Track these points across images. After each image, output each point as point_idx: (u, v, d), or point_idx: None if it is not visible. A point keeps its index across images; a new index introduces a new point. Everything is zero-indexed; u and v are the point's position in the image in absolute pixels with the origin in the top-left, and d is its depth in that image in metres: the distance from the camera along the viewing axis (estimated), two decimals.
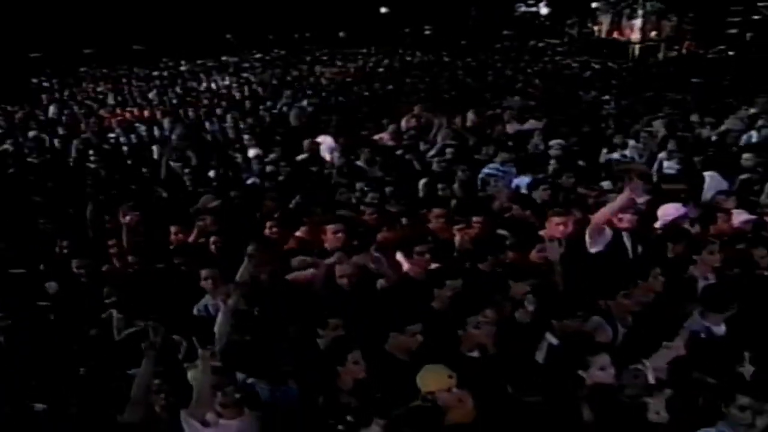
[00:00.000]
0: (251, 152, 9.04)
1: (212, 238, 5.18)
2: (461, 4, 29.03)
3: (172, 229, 5.48)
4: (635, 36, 23.08)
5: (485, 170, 7.13)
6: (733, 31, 21.85)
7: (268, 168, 7.72)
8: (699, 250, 4.58)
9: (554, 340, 3.60)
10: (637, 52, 22.34)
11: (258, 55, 23.07)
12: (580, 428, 3.05)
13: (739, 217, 5.58)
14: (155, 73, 18.71)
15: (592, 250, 4.83)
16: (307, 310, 3.88)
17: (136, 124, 11.44)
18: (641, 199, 5.68)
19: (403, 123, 9.96)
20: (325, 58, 21.94)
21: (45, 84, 17.06)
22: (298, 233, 5.32)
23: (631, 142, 8.85)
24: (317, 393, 3.28)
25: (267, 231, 5.29)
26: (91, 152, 8.96)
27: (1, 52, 20.09)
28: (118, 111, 12.44)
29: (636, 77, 16.36)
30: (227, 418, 3.10)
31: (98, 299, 4.46)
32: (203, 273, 4.44)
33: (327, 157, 8.43)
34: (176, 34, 23.63)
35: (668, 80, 15.62)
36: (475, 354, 3.56)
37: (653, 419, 2.98)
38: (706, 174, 7.21)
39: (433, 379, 3.07)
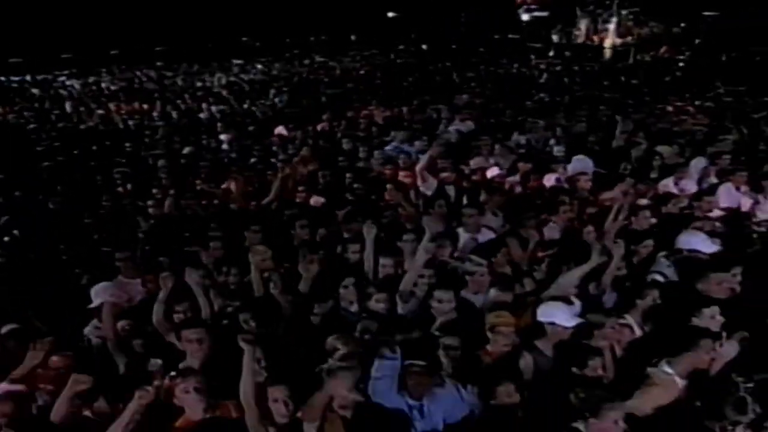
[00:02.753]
0: (222, 137, 11.38)
1: None
2: (458, 9, 31.29)
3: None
4: (609, 40, 24.80)
5: (387, 147, 9.22)
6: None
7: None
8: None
9: None
10: (608, 55, 24.02)
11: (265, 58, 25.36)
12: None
13: (550, 180, 7.59)
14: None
15: (425, 194, 6.93)
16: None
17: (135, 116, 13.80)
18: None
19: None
20: (321, 60, 24.18)
21: (67, 82, 19.56)
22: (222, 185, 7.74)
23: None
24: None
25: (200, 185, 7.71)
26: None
27: (34, 54, 22.96)
28: (123, 105, 14.76)
29: (585, 79, 18.13)
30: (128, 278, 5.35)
31: None
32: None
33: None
34: (195, 36, 26.39)
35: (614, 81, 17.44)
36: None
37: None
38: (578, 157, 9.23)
39: (253, 254, 5.16)
